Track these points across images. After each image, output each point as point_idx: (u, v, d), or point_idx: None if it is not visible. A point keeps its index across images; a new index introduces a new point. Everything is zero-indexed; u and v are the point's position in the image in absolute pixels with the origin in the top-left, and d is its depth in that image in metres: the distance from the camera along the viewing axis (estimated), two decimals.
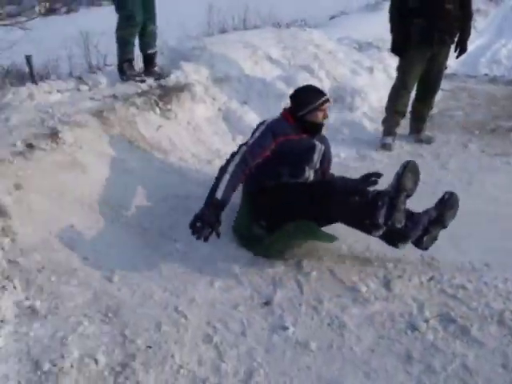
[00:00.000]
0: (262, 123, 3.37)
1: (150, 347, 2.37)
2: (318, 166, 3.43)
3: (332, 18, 11.80)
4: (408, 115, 5.08)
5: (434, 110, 5.80)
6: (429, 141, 4.92)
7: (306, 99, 3.38)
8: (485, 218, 3.56)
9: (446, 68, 4.80)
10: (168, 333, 2.46)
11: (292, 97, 3.50)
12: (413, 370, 2.27)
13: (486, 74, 8.58)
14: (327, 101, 3.40)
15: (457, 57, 4.81)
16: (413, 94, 4.99)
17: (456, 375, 2.24)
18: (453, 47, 4.75)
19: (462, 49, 4.72)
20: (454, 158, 4.62)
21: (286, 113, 3.45)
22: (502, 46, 11.78)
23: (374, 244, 3.19)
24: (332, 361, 2.33)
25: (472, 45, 11.14)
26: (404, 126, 5.10)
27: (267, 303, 2.70)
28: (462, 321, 2.55)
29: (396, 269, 2.97)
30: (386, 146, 4.78)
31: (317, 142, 3.41)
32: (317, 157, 3.39)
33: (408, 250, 3.10)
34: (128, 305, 2.66)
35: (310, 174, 3.37)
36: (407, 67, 4.66)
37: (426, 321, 2.55)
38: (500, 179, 4.20)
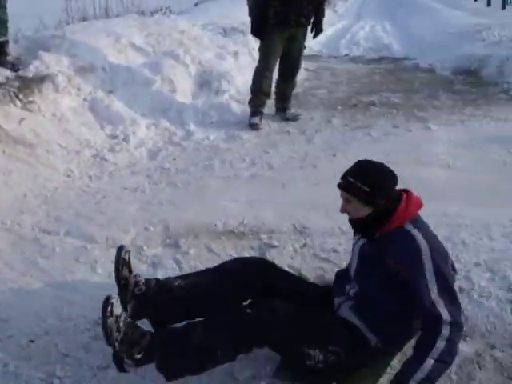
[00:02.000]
0: None
1: None
2: (353, 275, 2.26)
3: (196, 4, 11.80)
4: (273, 95, 5.25)
5: (299, 89, 6.08)
6: (294, 118, 5.14)
7: None
8: None
9: (305, 48, 5.03)
10: None
11: None
12: None
13: (346, 54, 9.09)
14: (339, 186, 2.17)
15: (314, 37, 5.06)
16: (276, 75, 5.17)
17: None
18: (309, 28, 4.97)
19: (317, 29, 4.97)
20: (319, 133, 4.88)
21: None
22: (360, 28, 12.58)
23: (248, 218, 3.31)
24: None
25: (333, 27, 11.76)
26: (270, 105, 5.27)
27: None
28: None
29: (270, 239, 3.11)
30: (253, 126, 4.93)
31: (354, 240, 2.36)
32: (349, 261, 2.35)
33: (279, 221, 3.27)
34: None
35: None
36: (268, 49, 4.83)
37: None
38: (362, 149, 4.49)
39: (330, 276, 2.75)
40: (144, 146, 4.37)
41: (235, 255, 2.91)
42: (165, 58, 5.50)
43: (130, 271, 2.22)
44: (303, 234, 3.20)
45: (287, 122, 5.11)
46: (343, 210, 2.24)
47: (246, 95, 5.22)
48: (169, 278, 2.32)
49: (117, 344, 1.88)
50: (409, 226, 2.07)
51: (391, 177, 2.15)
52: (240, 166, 4.13)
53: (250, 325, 1.95)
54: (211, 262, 2.85)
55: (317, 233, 3.20)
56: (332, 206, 3.51)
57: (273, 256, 2.92)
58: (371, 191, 2.07)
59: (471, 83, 6.98)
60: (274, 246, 3.04)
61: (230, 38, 7.40)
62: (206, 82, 5.59)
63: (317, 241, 3.11)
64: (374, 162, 2.19)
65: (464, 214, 3.44)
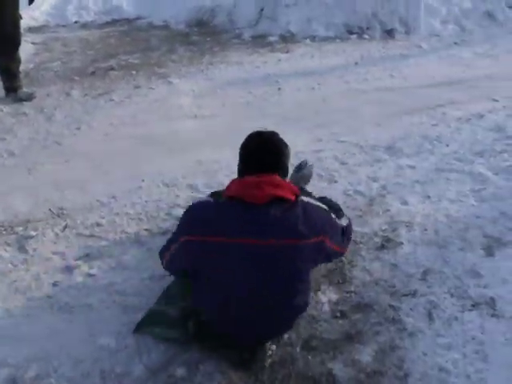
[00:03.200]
0: None
1: None
2: None
3: None
4: None
5: (30, 65, 5.70)
6: (29, 97, 4.71)
7: None
8: (100, 157, 3.73)
9: (21, 18, 4.57)
10: None
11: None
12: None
13: (76, 21, 8.65)
14: None
15: (29, 3, 4.60)
16: None
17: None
18: None
19: None
20: (59, 108, 4.59)
21: None
22: None
23: None
24: None
25: None
26: None
27: None
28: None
29: (27, 230, 2.88)
30: None
31: None
32: None
33: (33, 209, 3.07)
34: None
35: None
36: None
37: (74, 267, 2.58)
38: (107, 116, 4.42)
39: (98, 251, 2.70)
40: None
41: None
42: None
43: None
44: (62, 216, 3.02)
45: (21, 103, 4.67)
46: None
47: None
48: None
49: None
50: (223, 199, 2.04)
51: (249, 152, 2.10)
52: None
53: None
54: None
55: (76, 211, 3.06)
56: (86, 180, 3.43)
57: (33, 247, 2.73)
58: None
59: (206, 33, 7.26)
60: (32, 237, 2.81)
61: None
62: None
63: (78, 219, 2.98)
64: (272, 134, 2.16)
65: (217, 158, 3.59)
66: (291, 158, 2.26)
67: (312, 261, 2.02)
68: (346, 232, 2.27)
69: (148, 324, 2.24)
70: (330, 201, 2.59)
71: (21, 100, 4.72)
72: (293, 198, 1.97)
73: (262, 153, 2.05)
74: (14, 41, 4.59)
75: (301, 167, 2.93)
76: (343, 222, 2.34)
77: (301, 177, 2.95)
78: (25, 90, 4.79)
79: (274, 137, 2.13)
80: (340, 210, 2.52)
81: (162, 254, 2.18)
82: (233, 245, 1.88)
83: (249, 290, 1.91)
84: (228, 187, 2.01)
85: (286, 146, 2.15)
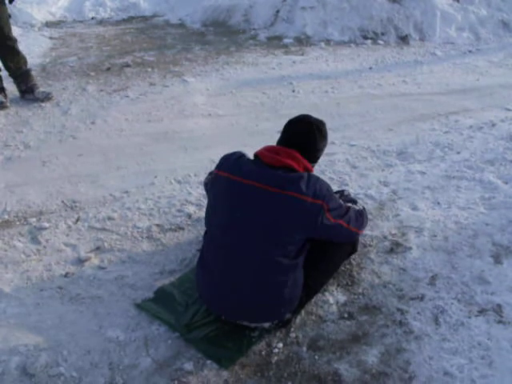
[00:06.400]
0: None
1: None
2: None
3: None
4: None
5: (46, 60, 5.76)
6: (47, 97, 4.62)
7: None
8: (114, 152, 3.78)
9: (10, 16, 4.42)
10: None
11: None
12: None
13: (93, 18, 8.72)
14: None
15: (10, 1, 4.36)
16: None
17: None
18: None
19: None
20: (75, 103, 4.65)
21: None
22: None
23: (11, 204, 3.08)
24: None
25: None
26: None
27: None
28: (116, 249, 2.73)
29: (40, 221, 2.93)
30: None
31: None
32: None
33: (47, 201, 3.11)
34: None
35: None
36: None
37: (85, 259, 2.62)
38: (122, 112, 4.46)
39: (109, 244, 2.73)
40: None
41: (4, 246, 2.72)
42: None
43: None
44: (74, 208, 3.07)
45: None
46: None
47: None
48: None
49: None
50: None
51: (287, 126, 2.27)
52: None
53: None
54: None
55: (88, 204, 3.11)
56: (99, 174, 3.47)
57: (46, 238, 2.78)
58: None
59: (221, 33, 7.27)
60: (45, 228, 2.86)
61: None
62: None
63: (90, 212, 3.02)
64: (317, 121, 2.31)
65: None
66: None
67: (303, 223, 2.06)
68: (362, 214, 2.39)
69: (152, 301, 2.34)
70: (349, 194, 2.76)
71: (38, 100, 4.61)
72: (302, 170, 2.13)
73: (297, 132, 2.23)
74: (5, 40, 4.37)
75: (343, 195, 2.85)
76: (357, 207, 2.44)
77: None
78: (41, 89, 4.71)
79: (315, 124, 2.27)
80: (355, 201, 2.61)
81: (206, 176, 2.55)
82: (232, 181, 2.12)
83: (231, 221, 2.11)
84: (260, 149, 2.20)
85: (323, 138, 2.31)
